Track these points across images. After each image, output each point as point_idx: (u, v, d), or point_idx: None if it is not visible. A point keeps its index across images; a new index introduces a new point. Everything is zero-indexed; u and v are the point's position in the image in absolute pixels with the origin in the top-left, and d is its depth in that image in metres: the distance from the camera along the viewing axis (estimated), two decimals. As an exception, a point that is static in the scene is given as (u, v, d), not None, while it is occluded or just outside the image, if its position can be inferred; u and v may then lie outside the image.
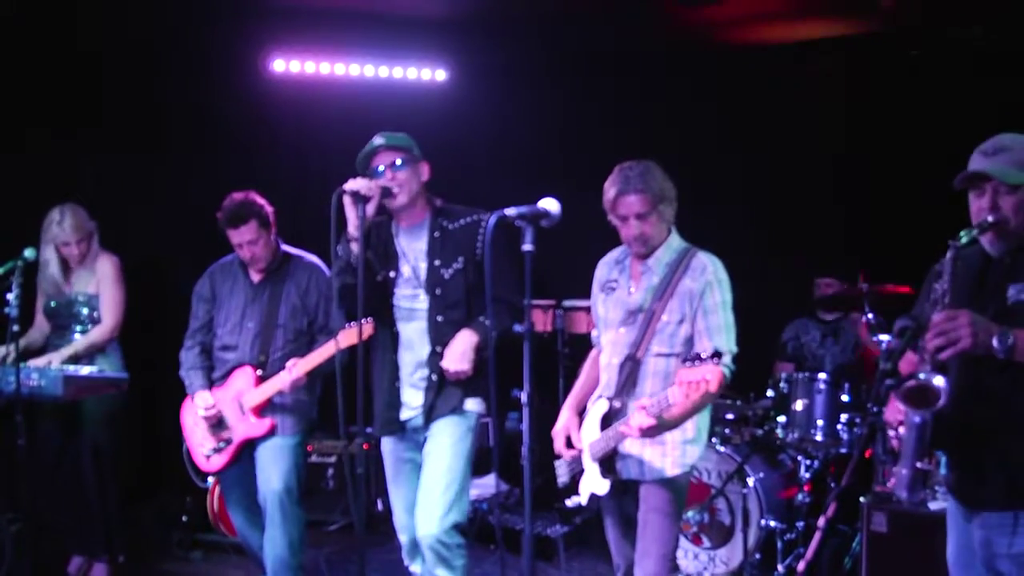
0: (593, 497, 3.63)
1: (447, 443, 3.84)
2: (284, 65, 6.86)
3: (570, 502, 3.71)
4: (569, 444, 3.73)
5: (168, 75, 6.45)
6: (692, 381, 3.09)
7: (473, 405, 3.90)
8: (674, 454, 3.55)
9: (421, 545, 3.82)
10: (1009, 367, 2.58)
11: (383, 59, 6.98)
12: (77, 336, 5.19)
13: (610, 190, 3.51)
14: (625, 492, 3.64)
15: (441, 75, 7.09)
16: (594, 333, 3.86)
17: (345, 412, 3.57)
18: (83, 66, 6.28)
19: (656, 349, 3.54)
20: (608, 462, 3.59)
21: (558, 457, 3.80)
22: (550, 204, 2.55)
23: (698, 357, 3.09)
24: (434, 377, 3.86)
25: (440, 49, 7.02)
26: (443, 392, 3.86)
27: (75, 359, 5.05)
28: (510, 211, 2.51)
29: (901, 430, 2.75)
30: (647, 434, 3.33)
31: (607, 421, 3.59)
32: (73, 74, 6.27)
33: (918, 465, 2.71)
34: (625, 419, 3.40)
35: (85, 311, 5.19)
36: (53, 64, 6.20)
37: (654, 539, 3.53)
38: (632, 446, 3.56)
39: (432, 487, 3.81)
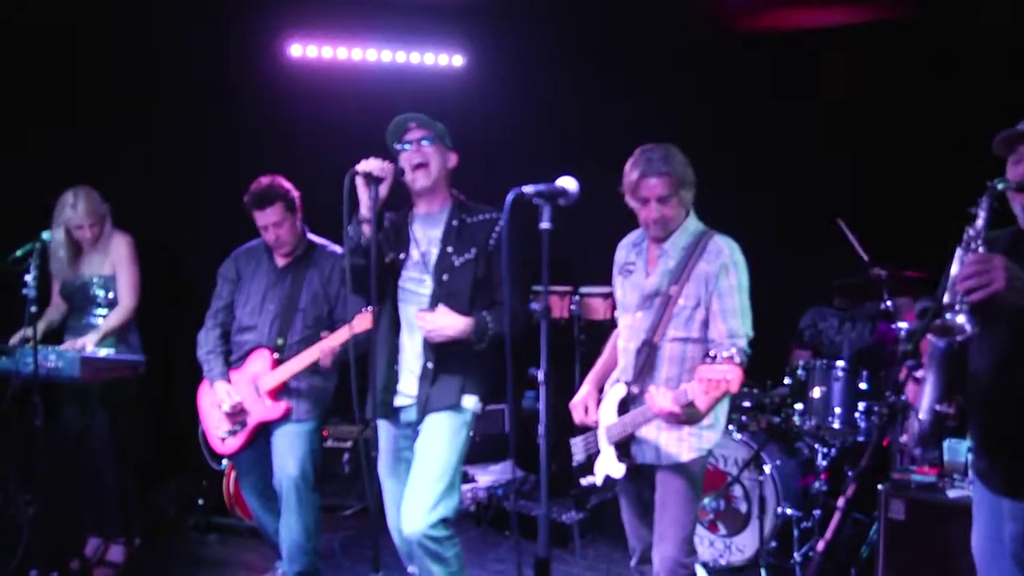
0: (608, 479, 3.64)
1: (440, 436, 3.76)
2: (301, 50, 6.85)
3: (585, 481, 3.73)
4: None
5: (186, 60, 6.45)
6: (712, 379, 3.09)
7: (470, 402, 3.82)
8: (690, 439, 3.55)
9: (411, 544, 3.71)
10: None
11: (400, 44, 6.96)
12: (97, 318, 5.19)
13: (632, 172, 3.50)
14: (640, 476, 3.66)
15: (458, 60, 7.07)
16: (617, 313, 3.86)
17: (359, 398, 3.55)
18: (100, 50, 6.28)
19: (673, 334, 3.53)
20: (624, 446, 3.59)
21: (573, 435, 3.83)
22: (568, 182, 2.52)
23: (719, 354, 3.14)
24: (429, 365, 3.79)
25: (457, 34, 7.00)
26: (438, 383, 3.77)
27: (111, 339, 5.06)
28: (527, 188, 2.49)
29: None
30: (667, 419, 3.33)
31: (624, 406, 3.59)
32: (91, 58, 6.27)
33: (937, 408, 2.62)
34: (645, 406, 3.40)
35: (101, 293, 5.19)
36: (70, 48, 6.20)
37: (672, 522, 3.54)
38: (649, 431, 3.56)
39: (422, 481, 3.71)
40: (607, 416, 3.67)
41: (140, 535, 5.41)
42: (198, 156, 6.61)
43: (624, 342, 3.69)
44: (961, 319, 2.52)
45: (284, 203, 4.58)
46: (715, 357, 3.21)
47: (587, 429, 3.82)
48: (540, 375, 2.72)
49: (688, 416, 3.27)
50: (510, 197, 2.48)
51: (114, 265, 5.20)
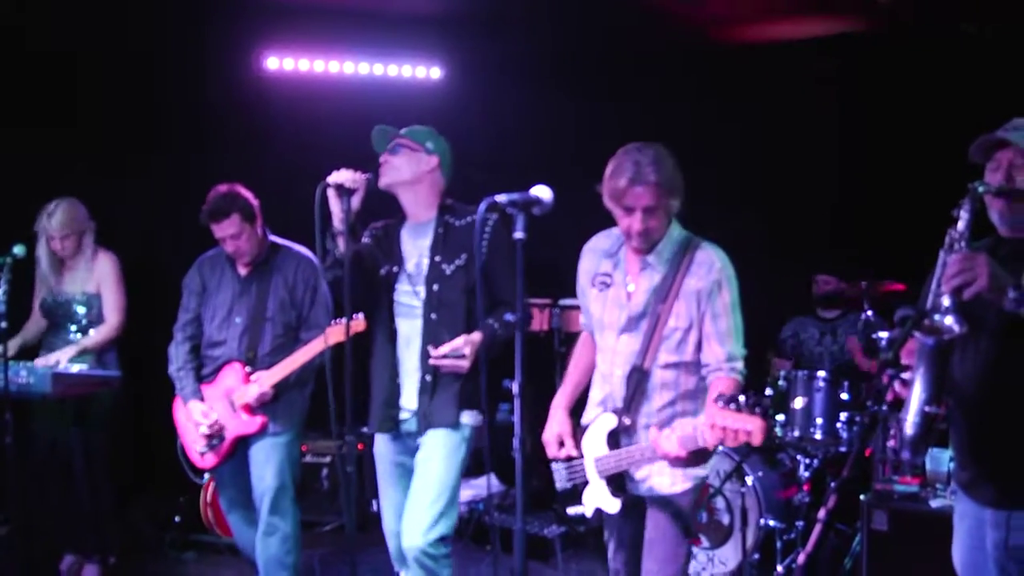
0: (598, 512, 3.37)
1: (440, 455, 3.75)
2: (278, 63, 6.82)
3: (573, 511, 3.46)
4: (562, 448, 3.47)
5: (161, 72, 6.40)
6: (731, 429, 2.86)
7: (468, 419, 3.80)
8: (685, 471, 3.31)
9: (407, 557, 3.75)
10: None
11: (377, 57, 6.95)
12: (74, 335, 5.14)
13: (618, 177, 3.16)
14: (634, 509, 3.40)
15: (436, 73, 7.06)
16: (582, 319, 3.60)
17: (336, 412, 3.52)
18: (75, 63, 6.24)
19: (664, 359, 3.26)
20: (618, 480, 3.33)
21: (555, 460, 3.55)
22: (542, 191, 2.50)
23: (736, 399, 2.86)
24: (428, 378, 3.77)
25: (435, 47, 6.99)
26: (437, 397, 3.75)
27: (88, 356, 5.02)
28: (500, 198, 2.46)
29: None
30: (672, 463, 3.15)
31: (615, 438, 3.31)
32: (64, 71, 6.23)
33: (927, 409, 2.61)
34: (647, 445, 3.17)
35: (82, 310, 5.15)
36: (42, 62, 6.16)
37: (663, 560, 3.30)
38: (643, 468, 3.33)
39: (421, 498, 3.73)
40: (595, 447, 3.36)
41: (116, 553, 5.33)
42: (176, 171, 6.55)
43: (608, 367, 3.36)
44: (949, 320, 2.51)
45: (241, 213, 4.49)
46: (732, 400, 2.88)
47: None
48: (515, 387, 2.67)
49: (695, 460, 3.12)
50: (483, 206, 2.44)
51: (99, 283, 5.17)
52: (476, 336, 3.68)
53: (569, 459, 3.43)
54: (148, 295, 5.83)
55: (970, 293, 2.47)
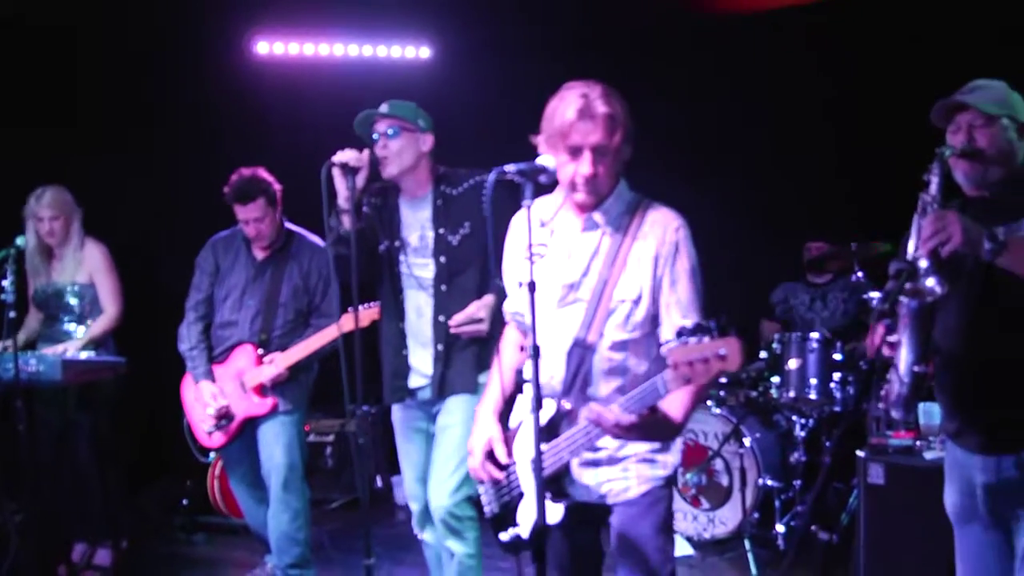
0: (539, 529, 2.56)
1: (460, 419, 3.78)
2: (268, 47, 6.88)
3: (506, 536, 2.83)
4: (494, 461, 2.91)
5: (153, 59, 6.43)
6: (699, 361, 2.32)
7: (485, 378, 3.86)
8: (639, 468, 2.79)
9: (433, 516, 3.83)
10: (1013, 298, 2.63)
11: (367, 38, 7.00)
12: (69, 325, 5.17)
13: (564, 112, 2.68)
14: (581, 519, 2.82)
15: (425, 52, 7.11)
16: (507, 306, 3.13)
17: (349, 389, 3.57)
18: (65, 51, 6.26)
19: (611, 336, 2.74)
20: (558, 482, 2.77)
21: (481, 482, 2.98)
22: (548, 160, 2.55)
23: (699, 329, 2.35)
24: (440, 347, 3.81)
25: (424, 26, 7.04)
26: (453, 365, 3.80)
27: (91, 346, 5.05)
28: (509, 167, 2.50)
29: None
30: (623, 434, 2.56)
31: (555, 428, 2.74)
32: (55, 59, 6.24)
33: (916, 369, 2.71)
34: (593, 418, 2.55)
35: (75, 301, 5.16)
36: (35, 49, 6.18)
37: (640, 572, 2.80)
38: (585, 467, 2.80)
39: (445, 462, 3.79)
40: (527, 446, 2.74)
41: (127, 538, 5.40)
42: (169, 156, 6.59)
43: (545, 345, 2.66)
44: (931, 282, 2.59)
45: (266, 197, 4.57)
46: (693, 333, 2.36)
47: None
48: (529, 347, 2.65)
49: (654, 426, 2.54)
50: (492, 176, 2.49)
51: (91, 274, 5.17)
52: (488, 299, 3.73)
53: (495, 481, 2.91)
54: (148, 281, 5.90)
55: (947, 251, 2.56)
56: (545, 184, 2.57)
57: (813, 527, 4.87)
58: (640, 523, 2.79)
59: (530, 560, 2.59)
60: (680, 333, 2.38)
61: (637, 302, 2.73)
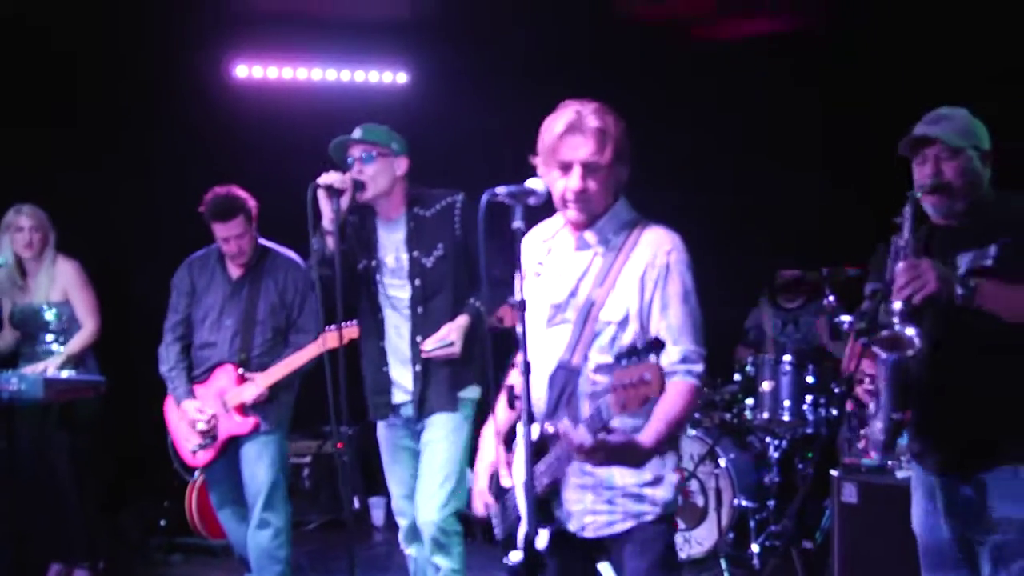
0: (531, 552, 2.51)
1: (443, 435, 3.88)
2: (247, 71, 6.92)
3: (510, 559, 2.61)
4: (497, 488, 2.89)
5: (131, 81, 6.45)
6: (628, 385, 2.26)
7: (468, 393, 3.94)
8: (625, 503, 2.69)
9: (422, 532, 3.89)
10: (974, 328, 2.72)
11: (345, 63, 7.06)
12: (49, 344, 5.17)
13: (555, 124, 2.68)
14: (570, 549, 2.75)
15: (402, 78, 7.19)
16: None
17: (334, 408, 3.60)
18: (45, 71, 6.26)
19: (595, 360, 2.67)
20: (547, 505, 2.71)
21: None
22: (537, 183, 2.61)
23: (635, 351, 2.30)
24: (418, 368, 3.89)
25: (400, 52, 7.12)
26: (432, 384, 3.87)
27: (70, 363, 5.07)
28: (500, 189, 2.55)
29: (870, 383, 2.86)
30: (592, 459, 2.44)
31: (540, 452, 2.66)
32: (34, 79, 6.25)
33: (893, 416, 2.82)
34: (561, 432, 2.47)
35: (53, 319, 5.17)
36: (13, 67, 6.19)
37: None
38: (572, 493, 2.71)
39: (431, 478, 3.86)
40: (520, 467, 2.70)
41: (104, 559, 5.37)
42: (145, 178, 6.59)
43: (534, 367, 2.54)
44: (911, 331, 2.67)
45: (244, 215, 4.60)
46: (630, 354, 2.31)
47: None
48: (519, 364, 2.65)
49: (619, 451, 2.43)
50: (485, 198, 2.54)
51: (65, 291, 5.18)
52: (462, 320, 3.82)
53: (502, 505, 2.89)
54: (123, 302, 5.90)
55: (919, 298, 2.64)
56: (534, 206, 2.61)
57: (792, 541, 4.96)
58: (636, 560, 2.69)
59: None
60: (618, 356, 2.34)
61: (623, 325, 2.66)
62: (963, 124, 2.93)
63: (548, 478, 2.64)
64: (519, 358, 2.45)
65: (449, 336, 3.80)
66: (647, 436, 2.48)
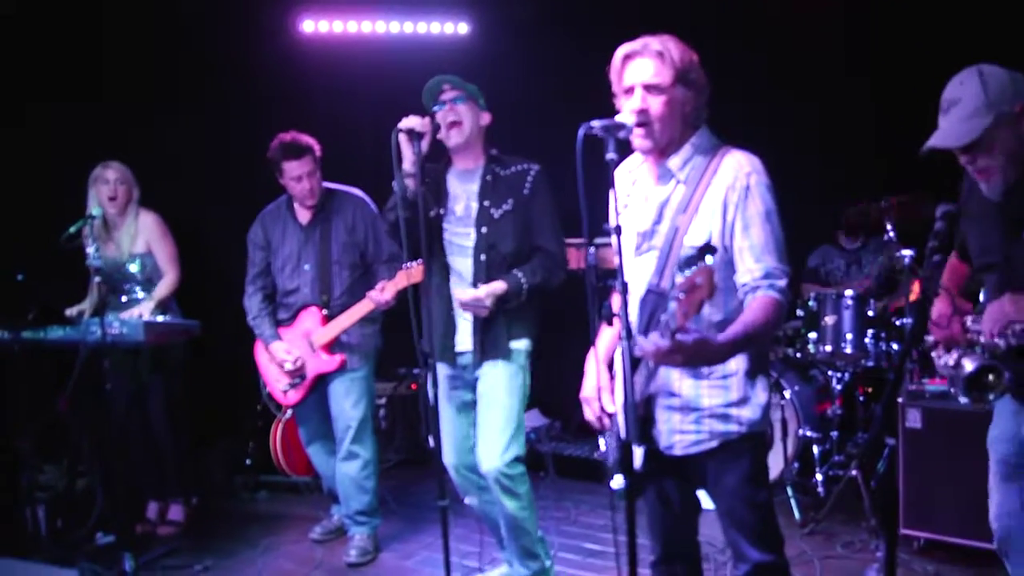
0: (624, 470, 2.61)
1: (500, 384, 4.03)
2: (313, 25, 7.08)
3: (615, 484, 2.64)
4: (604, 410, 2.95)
5: (201, 38, 6.60)
6: (687, 289, 2.24)
7: (520, 345, 4.08)
8: (711, 423, 2.79)
9: (487, 479, 4.03)
10: None
11: (407, 15, 7.18)
12: (135, 294, 5.39)
13: (620, 53, 2.78)
14: (664, 465, 2.86)
15: (464, 28, 7.29)
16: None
17: (422, 340, 3.73)
18: (113, 29, 6.40)
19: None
20: (644, 424, 2.81)
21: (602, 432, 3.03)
22: (626, 117, 2.73)
23: (691, 260, 2.25)
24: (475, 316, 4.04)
25: (462, 3, 7.23)
26: (488, 333, 4.02)
27: (158, 309, 5.28)
28: (595, 123, 2.66)
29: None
30: (670, 360, 2.42)
31: (636, 369, 2.74)
32: (114, 38, 6.40)
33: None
34: (640, 348, 2.44)
35: (136, 269, 5.36)
36: (84, 23, 6.33)
37: (740, 526, 2.84)
38: (662, 413, 2.82)
39: (491, 427, 4.01)
40: (619, 391, 2.81)
41: (197, 496, 5.68)
42: (217, 134, 6.74)
43: (631, 292, 2.67)
44: (969, 366, 2.87)
45: (312, 154, 4.81)
46: (688, 263, 2.26)
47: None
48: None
49: (695, 351, 2.37)
50: (581, 131, 2.64)
51: (148, 243, 5.39)
52: (499, 286, 3.93)
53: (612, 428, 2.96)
54: (201, 253, 6.10)
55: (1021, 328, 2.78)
56: (624, 139, 2.73)
57: (855, 472, 5.08)
58: (724, 476, 2.79)
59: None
60: (680, 267, 2.28)
61: None
62: (975, 103, 2.77)
63: (635, 395, 2.67)
64: (617, 281, 2.50)
65: (484, 300, 3.91)
66: (722, 335, 2.49)
